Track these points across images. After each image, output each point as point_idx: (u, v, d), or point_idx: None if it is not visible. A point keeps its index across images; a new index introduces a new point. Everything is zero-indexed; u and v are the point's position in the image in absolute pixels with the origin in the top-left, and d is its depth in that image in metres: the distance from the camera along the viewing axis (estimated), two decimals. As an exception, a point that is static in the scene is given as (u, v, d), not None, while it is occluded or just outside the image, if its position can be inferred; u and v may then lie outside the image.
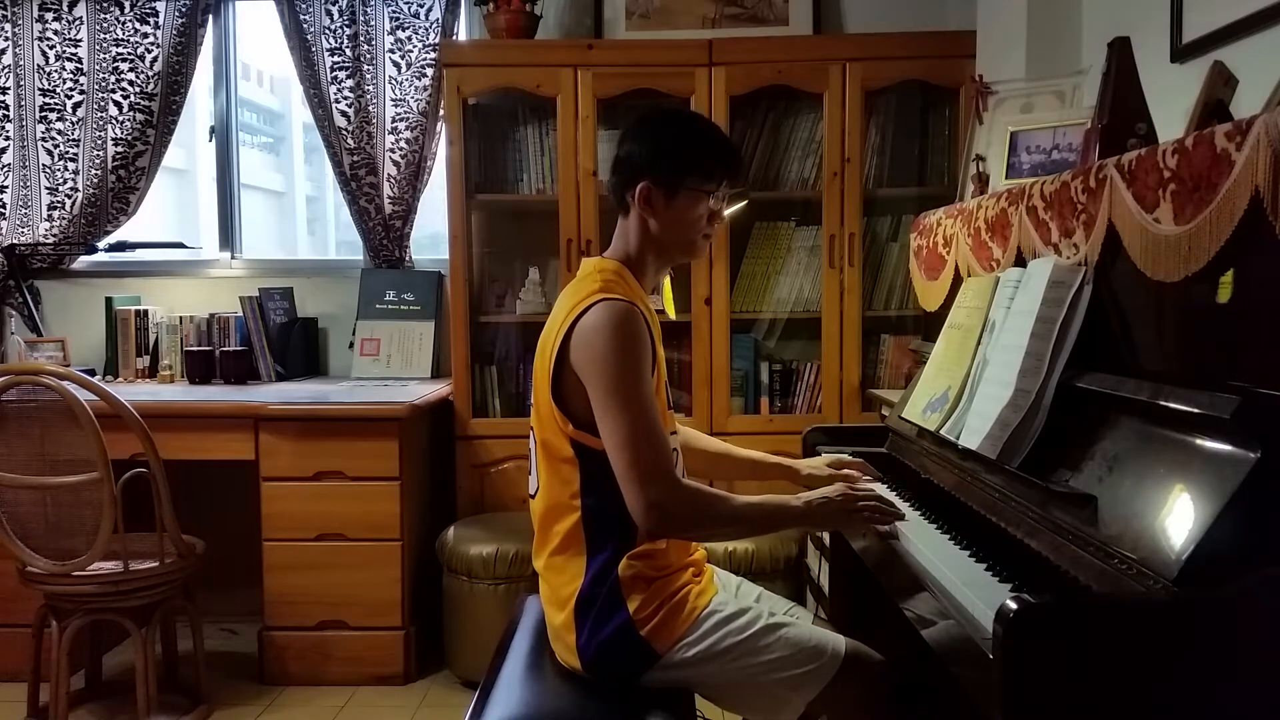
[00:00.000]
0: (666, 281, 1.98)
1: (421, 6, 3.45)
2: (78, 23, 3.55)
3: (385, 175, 3.49)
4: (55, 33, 3.55)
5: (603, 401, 1.55)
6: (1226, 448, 1.16)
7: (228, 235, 3.74)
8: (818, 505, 1.66)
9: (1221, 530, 1.09)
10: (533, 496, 1.73)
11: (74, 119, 3.57)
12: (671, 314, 2.30)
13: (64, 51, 3.56)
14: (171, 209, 4.49)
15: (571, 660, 1.64)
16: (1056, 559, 1.34)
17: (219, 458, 2.95)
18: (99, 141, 3.57)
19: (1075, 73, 2.31)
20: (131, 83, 3.55)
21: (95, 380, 2.63)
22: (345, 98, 3.48)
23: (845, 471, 1.94)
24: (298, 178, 6.08)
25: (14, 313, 3.62)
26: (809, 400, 3.27)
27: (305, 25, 3.47)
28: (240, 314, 3.45)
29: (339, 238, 4.45)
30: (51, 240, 3.59)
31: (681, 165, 1.67)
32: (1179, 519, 1.15)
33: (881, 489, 1.85)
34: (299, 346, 3.53)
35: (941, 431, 1.80)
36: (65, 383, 2.45)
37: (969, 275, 2.10)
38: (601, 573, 1.61)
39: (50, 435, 2.49)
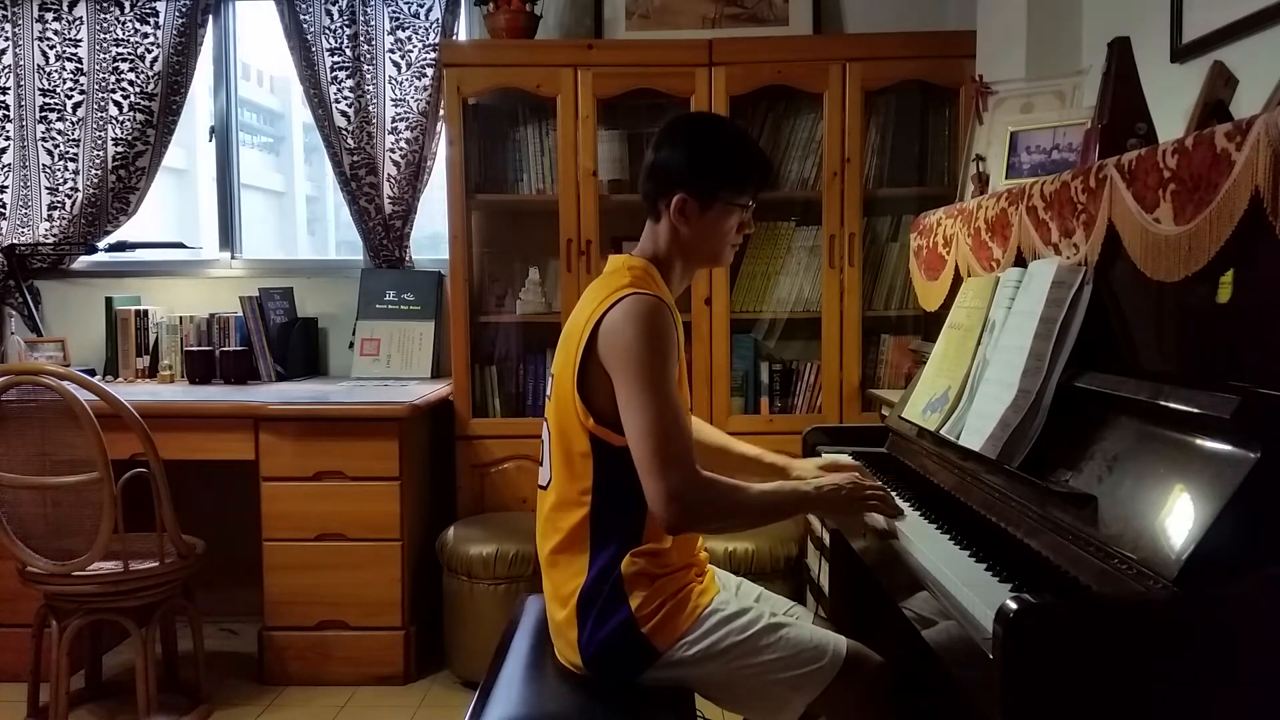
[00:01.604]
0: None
1: (421, 6, 3.45)
2: (78, 23, 3.55)
3: (385, 175, 3.49)
4: (55, 33, 3.55)
5: (628, 392, 1.55)
6: (1226, 448, 1.16)
7: (228, 235, 3.74)
8: (827, 491, 1.70)
9: (1221, 530, 1.09)
10: (543, 487, 1.73)
11: (74, 119, 3.57)
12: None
13: (64, 51, 3.56)
14: (171, 209, 4.48)
15: (572, 657, 1.64)
16: (1056, 559, 1.34)
17: (219, 458, 2.95)
18: (99, 141, 3.57)
19: (1075, 73, 2.31)
20: (131, 83, 3.55)
21: (95, 380, 2.63)
22: (345, 98, 3.48)
23: (844, 461, 1.95)
24: (298, 178, 6.08)
25: (14, 313, 3.62)
26: (809, 400, 3.27)
27: (305, 25, 3.47)
28: (240, 314, 3.45)
29: (339, 238, 4.45)
30: (51, 240, 3.59)
31: (717, 178, 1.69)
32: (1179, 519, 1.15)
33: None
34: (299, 346, 3.53)
35: (941, 431, 1.80)
36: (65, 383, 2.45)
37: (969, 275, 2.10)
38: (605, 570, 1.61)
39: (50, 435, 2.49)
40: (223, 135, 3.72)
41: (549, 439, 1.71)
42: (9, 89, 3.56)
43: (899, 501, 1.78)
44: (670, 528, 1.56)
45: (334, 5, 3.46)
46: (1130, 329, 1.52)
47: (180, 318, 3.51)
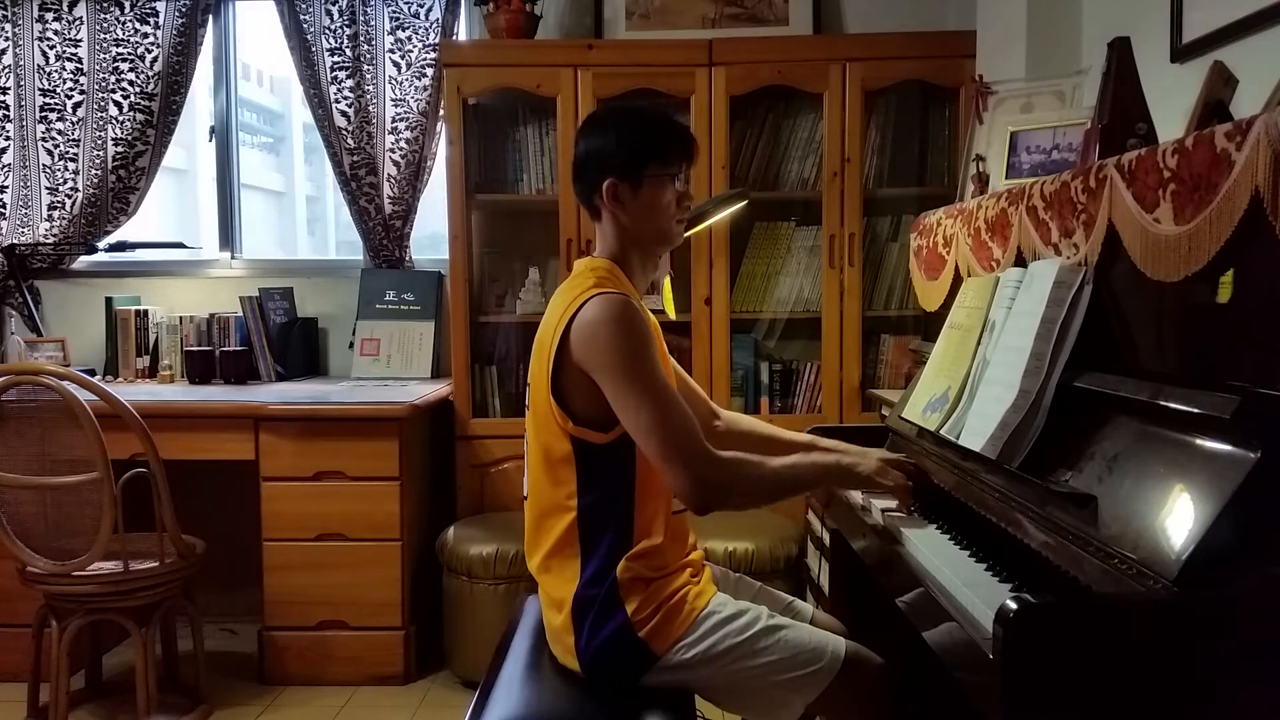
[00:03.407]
0: (666, 282, 1.99)
1: (421, 6, 3.45)
2: (78, 23, 3.55)
3: (385, 175, 3.49)
4: (55, 33, 3.55)
5: (620, 393, 1.55)
6: (1226, 448, 1.16)
7: (228, 235, 3.74)
8: (847, 465, 1.76)
9: (1221, 530, 1.09)
10: (526, 499, 1.73)
11: (74, 119, 3.57)
12: (671, 314, 2.31)
13: (64, 51, 3.56)
14: (171, 209, 4.48)
15: (570, 661, 1.64)
16: (1056, 559, 1.34)
17: (219, 458, 2.95)
18: (99, 141, 3.57)
19: (1075, 73, 2.31)
20: (131, 83, 3.55)
21: (95, 380, 2.63)
22: (345, 98, 3.47)
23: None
24: (298, 178, 6.08)
25: (14, 313, 3.62)
26: (809, 400, 3.27)
27: (305, 25, 3.47)
28: (240, 314, 3.45)
29: (339, 238, 4.45)
30: (51, 240, 3.59)
31: (640, 155, 1.68)
32: (1179, 519, 1.15)
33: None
34: (299, 346, 3.53)
35: (941, 432, 1.80)
36: (65, 383, 2.45)
37: (969, 275, 2.10)
38: (598, 574, 1.61)
39: (50, 435, 2.49)
40: (223, 135, 3.72)
41: (529, 449, 1.71)
42: (9, 89, 3.56)
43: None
44: (698, 509, 1.57)
45: (334, 5, 3.46)
46: (1130, 329, 1.52)
47: (180, 318, 3.51)
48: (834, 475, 1.80)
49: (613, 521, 1.62)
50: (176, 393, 3.19)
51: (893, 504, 1.81)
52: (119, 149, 3.56)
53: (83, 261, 3.65)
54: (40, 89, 3.57)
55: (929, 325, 3.05)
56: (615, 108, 1.85)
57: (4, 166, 3.59)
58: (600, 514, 1.62)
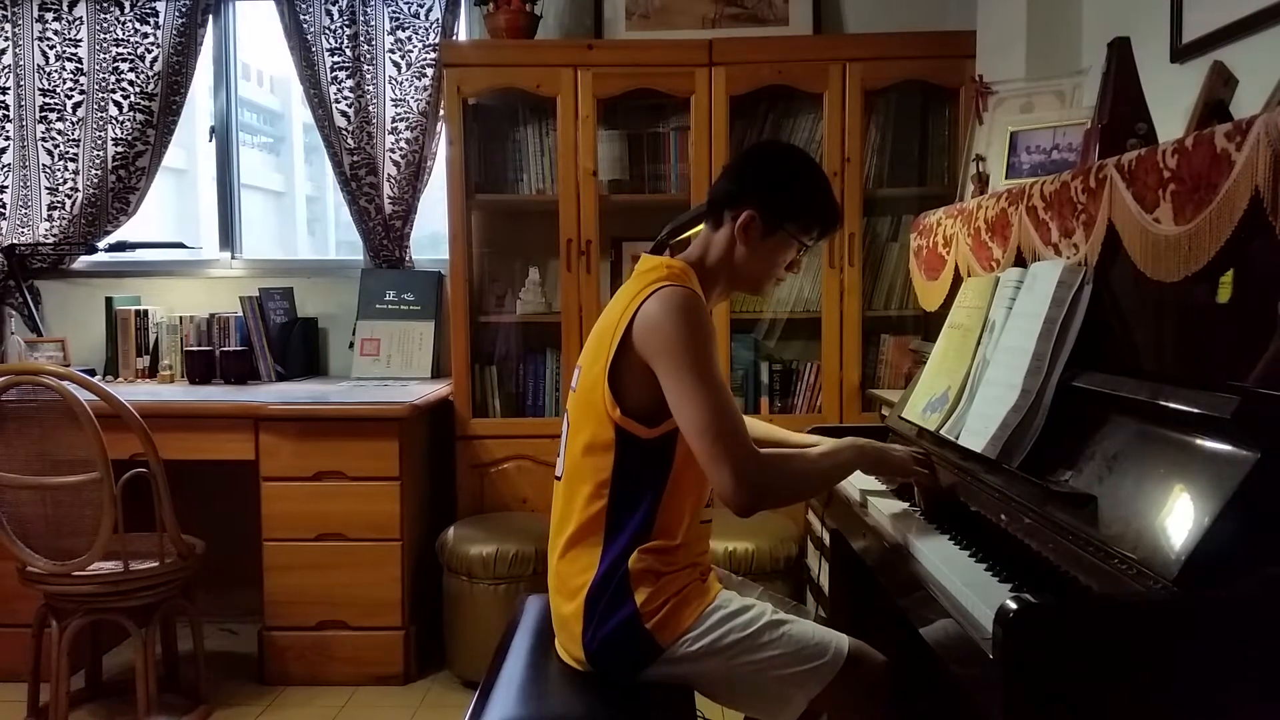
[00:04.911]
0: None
1: (421, 6, 3.45)
2: (78, 23, 3.55)
3: (385, 175, 3.49)
4: (55, 33, 3.55)
5: (677, 384, 1.56)
6: (1226, 448, 1.16)
7: (228, 235, 3.74)
8: (881, 446, 1.80)
9: (1221, 530, 1.09)
10: (559, 479, 1.75)
11: (74, 119, 3.57)
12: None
13: (64, 51, 3.56)
14: (171, 209, 4.48)
15: (575, 651, 1.64)
16: (1056, 559, 1.34)
17: (219, 458, 2.95)
18: (99, 141, 3.57)
19: (1075, 73, 2.31)
20: (131, 83, 3.55)
21: (95, 380, 2.63)
22: (345, 98, 3.47)
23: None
24: (298, 178, 6.08)
25: (14, 313, 3.62)
26: (809, 400, 3.27)
27: (305, 25, 3.47)
28: (240, 314, 3.45)
29: (339, 238, 4.45)
30: (51, 240, 3.59)
31: (790, 210, 1.74)
32: (1179, 519, 1.15)
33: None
34: (299, 346, 3.53)
35: (941, 431, 1.81)
36: (65, 383, 2.45)
37: (969, 275, 2.10)
38: (614, 565, 1.62)
39: (50, 435, 2.49)
40: (223, 135, 3.72)
41: (568, 432, 1.72)
42: (9, 89, 3.56)
43: (898, 501, 1.78)
44: (742, 509, 1.56)
45: (334, 5, 3.46)
46: (1130, 329, 1.53)
47: (180, 318, 3.51)
48: (869, 456, 1.78)
49: (637, 518, 1.63)
50: (176, 393, 3.19)
51: (897, 506, 1.81)
52: (119, 149, 3.56)
53: (83, 261, 3.65)
54: (40, 89, 3.57)
55: (929, 325, 3.05)
56: (801, 158, 1.87)
57: (4, 166, 3.59)
58: (627, 508, 1.63)
